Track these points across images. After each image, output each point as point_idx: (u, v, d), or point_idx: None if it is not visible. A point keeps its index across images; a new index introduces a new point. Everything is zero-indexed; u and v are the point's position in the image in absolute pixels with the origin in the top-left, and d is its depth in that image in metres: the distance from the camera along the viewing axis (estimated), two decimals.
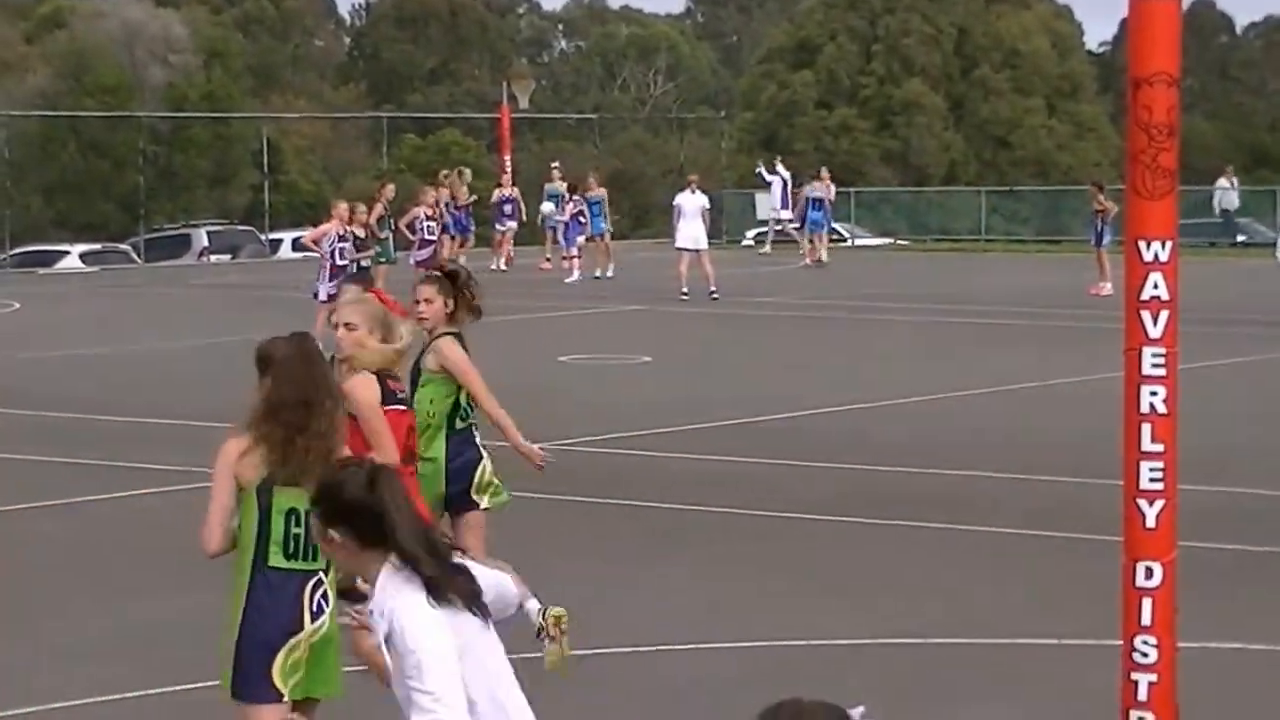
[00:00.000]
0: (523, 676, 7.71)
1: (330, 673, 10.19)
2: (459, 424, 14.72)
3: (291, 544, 10.01)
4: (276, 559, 10.00)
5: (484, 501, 14.59)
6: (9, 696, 13.84)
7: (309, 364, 10.31)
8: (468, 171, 58.87)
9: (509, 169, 63.44)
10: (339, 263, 35.07)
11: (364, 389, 12.40)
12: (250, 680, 9.96)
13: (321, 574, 10.05)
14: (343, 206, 37.00)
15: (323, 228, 36.39)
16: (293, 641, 10.00)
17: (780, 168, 63.89)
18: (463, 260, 54.15)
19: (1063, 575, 17.30)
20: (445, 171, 57.70)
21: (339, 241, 35.45)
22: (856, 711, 3.59)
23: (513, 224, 58.05)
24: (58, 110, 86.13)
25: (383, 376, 12.79)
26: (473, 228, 56.98)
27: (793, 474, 23.27)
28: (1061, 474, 22.25)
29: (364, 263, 37.41)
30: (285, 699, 9.98)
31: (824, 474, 23.23)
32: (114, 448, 24.46)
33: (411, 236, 44.54)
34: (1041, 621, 15.78)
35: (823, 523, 20.33)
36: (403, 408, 13.23)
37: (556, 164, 61.67)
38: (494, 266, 55.03)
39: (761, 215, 75.48)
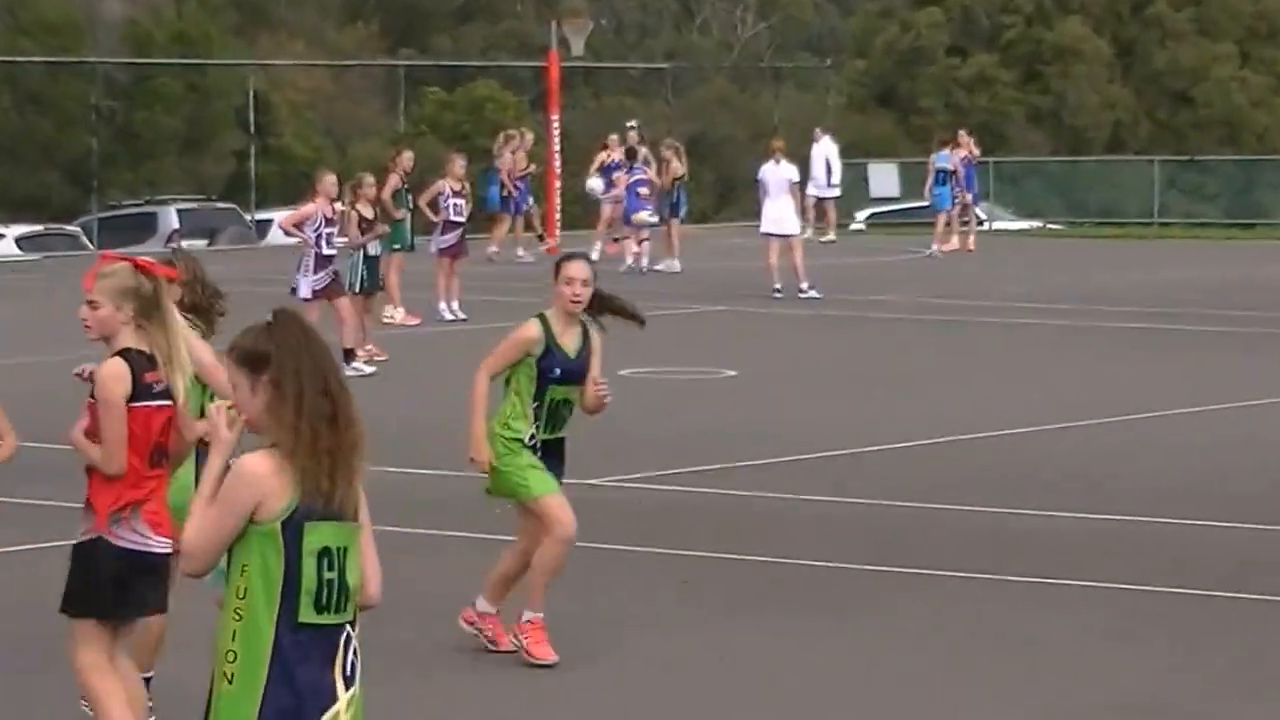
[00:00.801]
0: None
1: None
2: None
3: (324, 592, 9.82)
4: (306, 613, 9.80)
5: None
6: None
7: (314, 349, 10.18)
8: (529, 135, 59.34)
9: (557, 131, 63.52)
10: (325, 252, 34.18)
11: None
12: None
13: (348, 626, 9.89)
14: (329, 180, 35.81)
15: (305, 209, 35.45)
16: (330, 714, 9.86)
17: (826, 138, 63.61)
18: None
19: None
20: (510, 131, 58.20)
21: (325, 225, 34.63)
22: None
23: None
24: None
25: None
26: (529, 204, 57.44)
27: (914, 517, 23.28)
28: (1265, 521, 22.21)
29: (373, 248, 36.84)
30: None
31: (952, 518, 23.20)
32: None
33: (434, 217, 43.76)
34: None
35: (960, 579, 20.31)
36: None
37: (634, 124, 60.69)
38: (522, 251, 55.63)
39: (876, 193, 75.60)
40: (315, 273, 33.42)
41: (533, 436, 16.74)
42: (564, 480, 16.95)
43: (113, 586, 12.46)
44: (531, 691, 16.58)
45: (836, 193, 63.53)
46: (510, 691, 16.73)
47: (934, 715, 16.13)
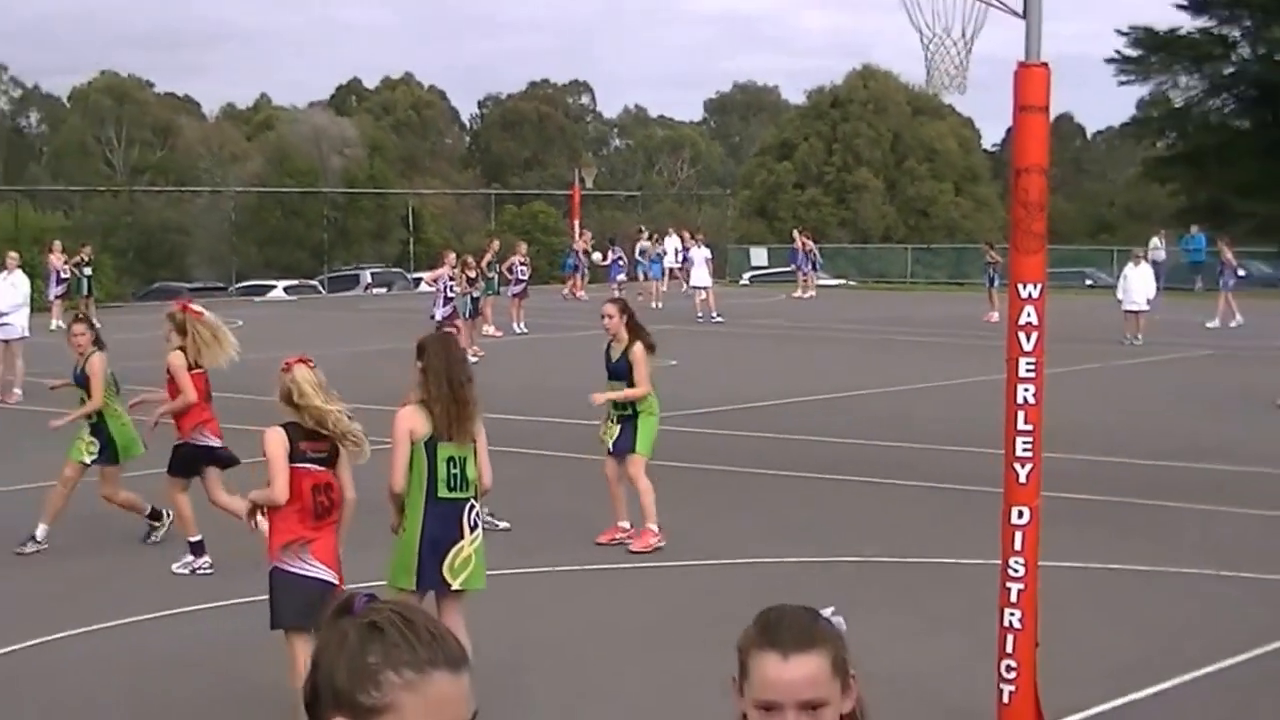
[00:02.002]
0: None
1: (479, 572, 10.50)
2: None
3: (452, 480, 10.25)
4: (442, 492, 10.23)
5: None
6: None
7: (451, 353, 10.52)
8: (588, 233, 60.37)
9: (578, 229, 63.77)
10: (448, 295, 35.32)
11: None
12: (426, 577, 10.21)
13: (473, 500, 10.26)
14: (451, 255, 37.22)
15: (438, 271, 36.55)
16: (456, 548, 10.23)
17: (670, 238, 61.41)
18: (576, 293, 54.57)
19: (954, 515, 17.39)
20: (584, 232, 59.32)
21: (448, 280, 35.63)
22: (827, 611, 3.60)
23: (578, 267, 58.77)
24: (267, 187, 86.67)
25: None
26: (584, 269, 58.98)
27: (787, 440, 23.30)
28: (950, 444, 22.34)
29: (474, 294, 37.87)
30: (454, 588, 10.31)
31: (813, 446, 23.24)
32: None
33: (509, 276, 44.58)
34: (943, 547, 15.85)
35: (831, 481, 20.35)
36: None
37: (643, 229, 62.85)
38: (566, 294, 55.88)
39: (755, 263, 76.03)
40: (443, 307, 34.01)
41: None
42: None
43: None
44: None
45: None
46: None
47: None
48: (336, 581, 9.76)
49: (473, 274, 38.73)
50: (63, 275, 45.89)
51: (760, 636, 3.49)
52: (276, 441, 9.78)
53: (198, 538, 14.89)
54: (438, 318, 33.76)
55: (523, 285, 44.48)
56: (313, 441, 9.83)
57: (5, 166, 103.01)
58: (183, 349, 15.12)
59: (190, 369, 15.04)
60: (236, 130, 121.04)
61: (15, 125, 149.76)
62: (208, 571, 14.71)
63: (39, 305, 34.35)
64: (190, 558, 14.86)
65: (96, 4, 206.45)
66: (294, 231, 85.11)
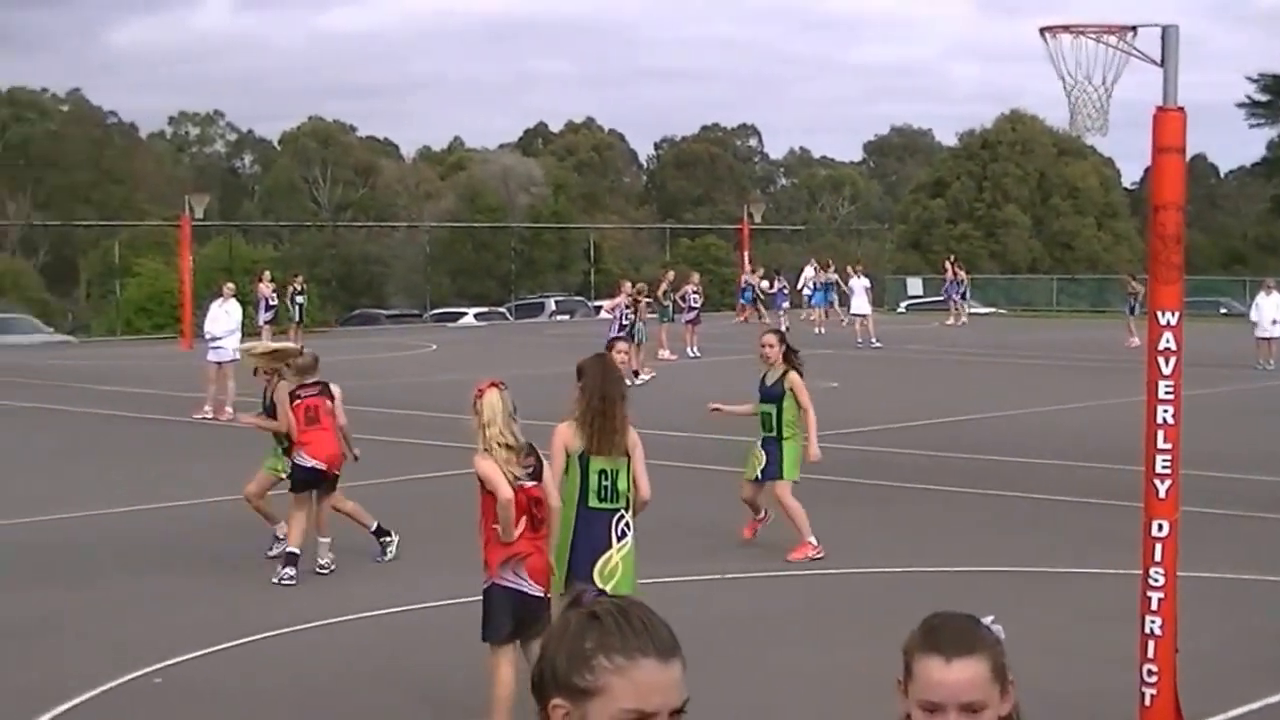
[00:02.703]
0: None
1: (628, 578, 10.39)
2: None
3: (602, 492, 10.26)
4: (593, 502, 10.25)
5: None
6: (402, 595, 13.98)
7: (607, 373, 10.56)
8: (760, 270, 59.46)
9: (748, 262, 63.57)
10: (623, 322, 35.58)
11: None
12: (578, 580, 10.00)
13: (622, 511, 10.27)
14: (627, 285, 37.70)
15: (615, 300, 36.91)
16: (606, 555, 10.23)
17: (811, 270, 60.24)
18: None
19: (1098, 527, 17.18)
20: (753, 267, 58.57)
21: (625, 308, 35.93)
22: (987, 619, 3.64)
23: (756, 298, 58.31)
24: (459, 222, 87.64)
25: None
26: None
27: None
28: (1093, 461, 22.07)
29: (642, 321, 38.01)
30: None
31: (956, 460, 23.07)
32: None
33: (682, 304, 44.72)
34: (1089, 557, 15.66)
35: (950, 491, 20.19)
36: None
37: (813, 260, 61.54)
38: (740, 319, 55.80)
39: (911, 293, 75.66)
40: (619, 332, 34.08)
41: None
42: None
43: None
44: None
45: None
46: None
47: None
48: (546, 597, 9.69)
49: (647, 301, 39.17)
50: (271, 303, 46.59)
51: (924, 641, 3.55)
52: (560, 438, 10.25)
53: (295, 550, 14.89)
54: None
55: (695, 313, 44.64)
56: (525, 456, 9.81)
57: (221, 204, 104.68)
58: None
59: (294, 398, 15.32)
60: (431, 170, 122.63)
61: (231, 166, 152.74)
62: (291, 583, 14.66)
63: (249, 330, 34.92)
64: (289, 570, 14.85)
65: (305, 57, 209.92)
66: (484, 263, 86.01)
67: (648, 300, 38.90)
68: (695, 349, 43.21)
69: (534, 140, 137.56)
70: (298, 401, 15.34)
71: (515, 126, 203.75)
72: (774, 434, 15.71)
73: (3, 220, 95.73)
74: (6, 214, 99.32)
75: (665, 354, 41.60)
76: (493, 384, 9.86)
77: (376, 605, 13.80)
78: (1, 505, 19.35)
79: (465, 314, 69.14)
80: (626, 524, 10.45)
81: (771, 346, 15.92)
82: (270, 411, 15.75)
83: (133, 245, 72.42)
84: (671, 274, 45.97)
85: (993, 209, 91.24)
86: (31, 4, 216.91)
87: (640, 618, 2.77)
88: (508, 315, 70.35)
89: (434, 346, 48.47)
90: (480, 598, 9.92)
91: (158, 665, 11.75)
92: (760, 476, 15.76)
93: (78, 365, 42.33)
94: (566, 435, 10.36)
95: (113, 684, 11.26)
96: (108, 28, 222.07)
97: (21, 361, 43.89)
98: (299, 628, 13.03)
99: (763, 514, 16.12)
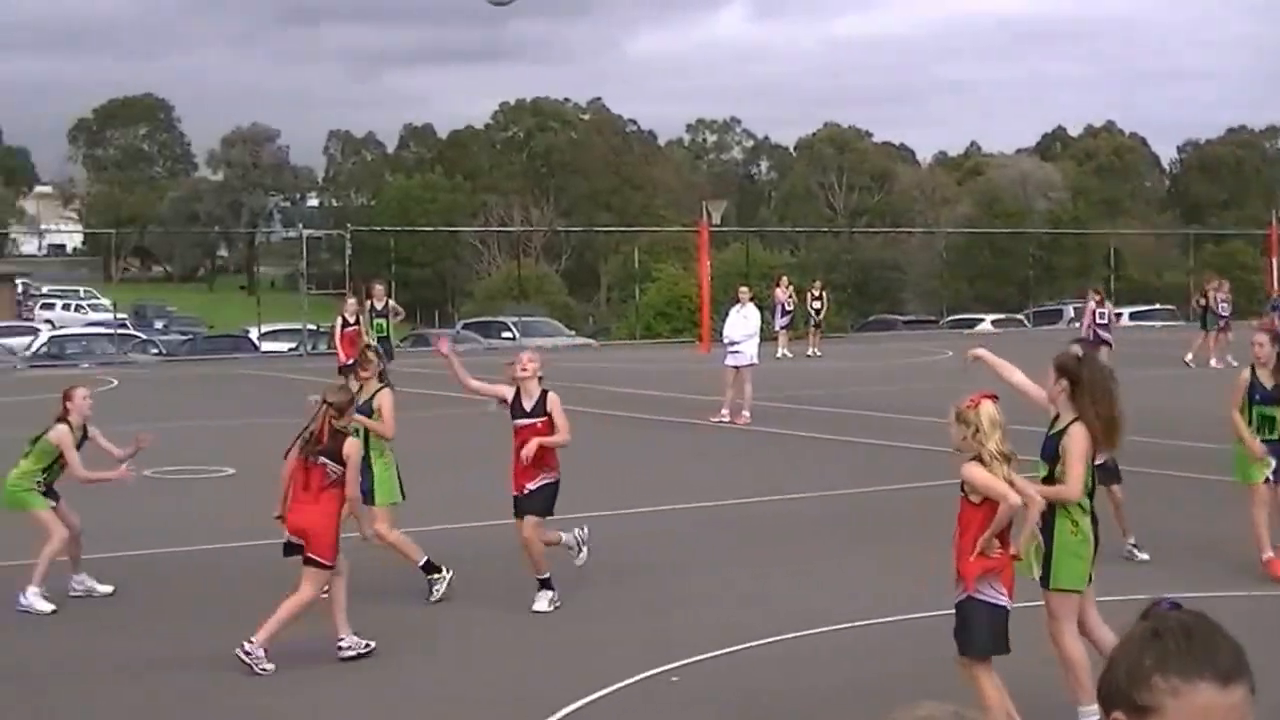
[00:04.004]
0: None
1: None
2: None
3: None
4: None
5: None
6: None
7: (1098, 370, 10.31)
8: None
9: (1277, 269, 60.59)
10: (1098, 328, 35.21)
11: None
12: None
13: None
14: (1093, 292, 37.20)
15: (1089, 307, 36.52)
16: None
17: None
18: None
19: None
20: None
21: (1097, 317, 35.59)
22: None
23: None
24: (976, 228, 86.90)
25: None
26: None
27: None
28: None
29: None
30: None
31: None
32: None
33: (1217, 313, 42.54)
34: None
35: None
36: None
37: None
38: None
39: None
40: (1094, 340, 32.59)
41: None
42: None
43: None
44: None
45: None
46: None
47: None
48: (1010, 607, 9.57)
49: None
50: (787, 308, 46.94)
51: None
52: (1079, 439, 9.91)
53: (546, 575, 14.01)
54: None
55: (1224, 320, 42.65)
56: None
57: (738, 209, 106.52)
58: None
59: None
60: (948, 176, 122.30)
61: (747, 173, 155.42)
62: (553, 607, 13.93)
63: (766, 335, 35.28)
64: (550, 593, 13.96)
65: (819, 63, 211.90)
66: (1001, 269, 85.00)
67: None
68: (1218, 358, 41.30)
69: (1052, 145, 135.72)
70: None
71: (1033, 131, 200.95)
72: (1275, 438, 14.88)
73: (527, 226, 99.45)
74: (530, 220, 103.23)
75: (1213, 363, 40.17)
76: (986, 395, 9.63)
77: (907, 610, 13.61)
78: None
79: (982, 320, 68.33)
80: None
81: (1262, 346, 15.12)
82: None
83: (652, 250, 74.25)
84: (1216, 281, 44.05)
85: None
86: (555, 17, 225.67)
87: (1204, 637, 2.67)
88: (1025, 322, 69.13)
89: (950, 353, 48.01)
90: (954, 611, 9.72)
91: (677, 664, 11.86)
92: (1273, 477, 14.86)
93: (598, 368, 43.47)
94: (1086, 440, 10.05)
95: (630, 680, 11.41)
96: (628, 38, 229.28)
97: (545, 363, 45.28)
98: (825, 629, 12.96)
99: None
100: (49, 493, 14.26)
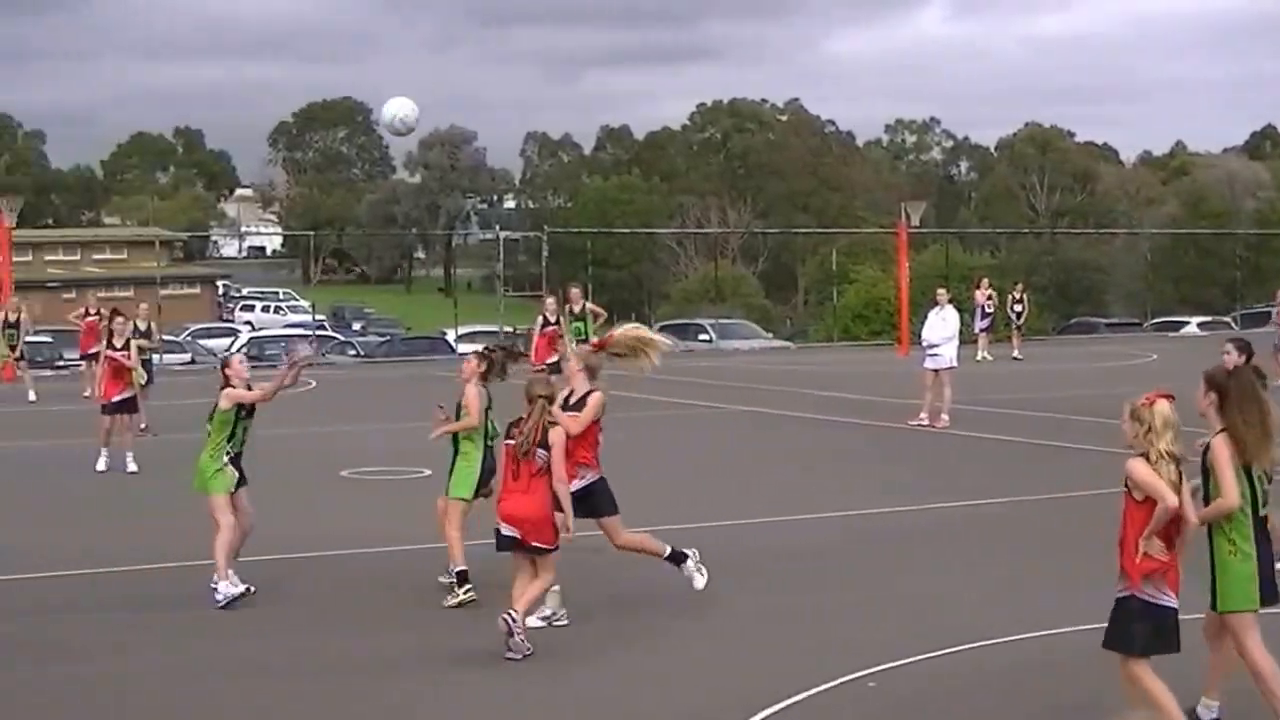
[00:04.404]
0: None
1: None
2: None
3: (1259, 501, 9.87)
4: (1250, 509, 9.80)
5: None
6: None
7: (1245, 383, 10.13)
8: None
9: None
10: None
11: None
12: (1268, 592, 9.78)
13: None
14: None
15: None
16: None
17: None
18: None
19: None
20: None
21: None
22: None
23: None
24: (1181, 228, 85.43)
25: None
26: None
27: None
28: None
29: None
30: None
31: None
32: None
33: None
34: None
35: None
36: None
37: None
38: None
39: None
40: None
41: None
42: None
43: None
44: None
45: None
46: None
47: None
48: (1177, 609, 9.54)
49: None
50: (987, 310, 46.46)
51: None
52: (1222, 448, 9.69)
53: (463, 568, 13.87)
54: None
55: None
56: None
57: (937, 210, 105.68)
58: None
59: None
60: (1152, 175, 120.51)
61: (946, 173, 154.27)
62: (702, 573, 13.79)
63: (965, 337, 34.99)
64: (689, 562, 13.82)
65: (1020, 62, 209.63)
66: (1207, 270, 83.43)
67: None
68: None
69: (1261, 144, 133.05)
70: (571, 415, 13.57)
71: (1241, 130, 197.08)
72: None
73: (724, 228, 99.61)
74: (728, 222, 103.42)
75: None
76: (1163, 395, 9.56)
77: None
78: (717, 507, 19.96)
79: (1187, 323, 67.02)
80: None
81: None
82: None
83: (850, 252, 74.00)
84: None
85: None
86: (753, 17, 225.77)
87: None
88: (1233, 325, 67.65)
89: (1154, 356, 47.27)
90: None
91: (875, 669, 11.81)
92: None
93: (794, 370, 43.40)
94: (1230, 451, 9.91)
95: (827, 685, 11.37)
96: (827, 38, 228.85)
97: (741, 366, 45.43)
98: (1011, 638, 12.82)
99: None
100: (236, 467, 14.47)
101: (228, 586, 14.13)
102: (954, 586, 15.10)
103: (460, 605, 13.89)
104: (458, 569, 14.07)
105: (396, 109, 14.32)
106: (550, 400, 12.76)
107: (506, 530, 12.40)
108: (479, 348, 15.67)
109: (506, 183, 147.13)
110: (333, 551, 16.77)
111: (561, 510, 12.45)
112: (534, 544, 12.33)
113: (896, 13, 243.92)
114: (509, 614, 12.11)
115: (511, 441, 12.56)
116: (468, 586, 13.95)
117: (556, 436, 12.54)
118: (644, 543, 13.93)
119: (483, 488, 14.21)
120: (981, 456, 25.10)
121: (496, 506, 12.63)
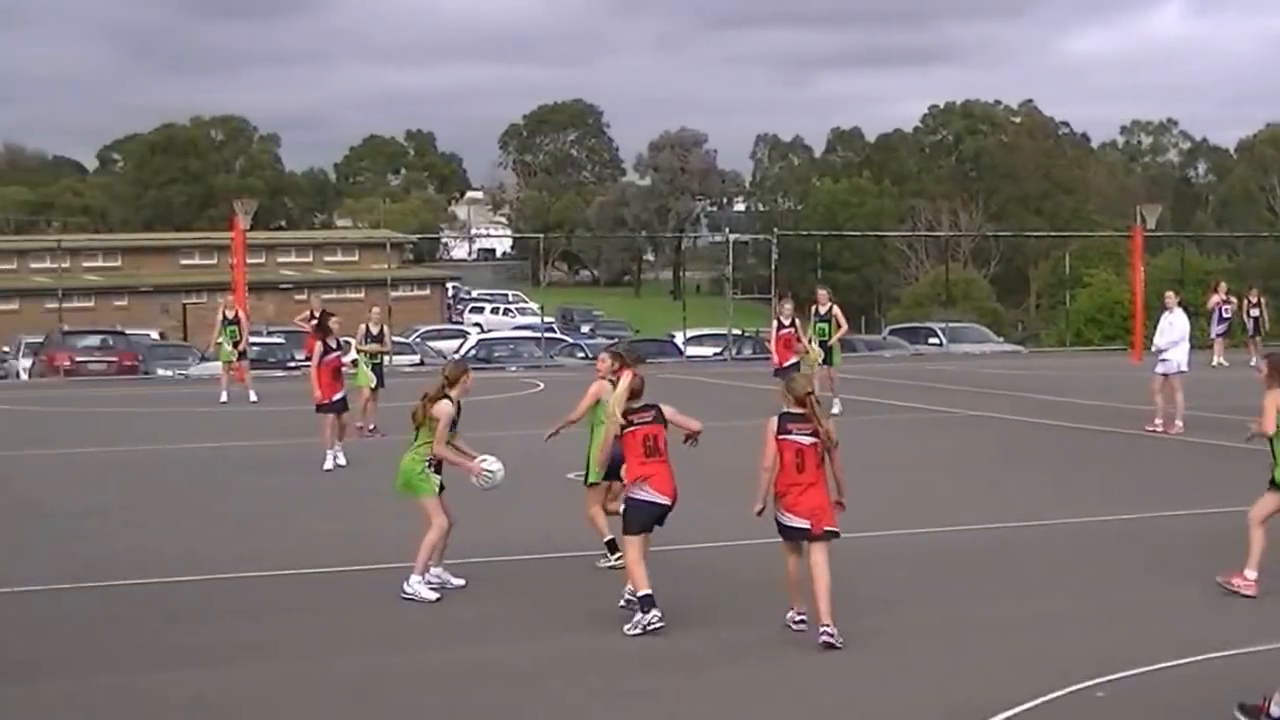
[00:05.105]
0: None
1: None
2: None
3: None
4: None
5: None
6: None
7: None
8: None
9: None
10: None
11: None
12: None
13: None
14: None
15: None
16: None
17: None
18: None
19: None
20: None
21: None
22: None
23: None
24: None
25: None
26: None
27: None
28: None
29: None
30: None
31: None
32: None
33: None
34: None
35: None
36: None
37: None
38: None
39: None
40: None
41: None
42: None
43: None
44: None
45: None
46: None
47: None
48: None
49: None
50: (1224, 314, 45.53)
51: None
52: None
53: (646, 592, 13.27)
54: None
55: None
56: None
57: (1173, 213, 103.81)
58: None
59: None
60: None
61: (1184, 175, 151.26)
62: (658, 626, 13.15)
63: (1200, 343, 34.36)
64: (640, 615, 13.26)
65: (1262, 61, 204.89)
66: None
67: None
68: None
69: None
70: (633, 429, 13.70)
71: None
72: None
73: (955, 231, 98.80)
74: (959, 225, 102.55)
75: None
76: None
77: None
78: (940, 511, 19.99)
79: None
80: None
81: None
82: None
83: (1083, 256, 72.95)
84: None
85: None
86: (987, 18, 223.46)
87: None
88: None
89: None
90: None
91: (1104, 679, 11.70)
92: None
93: (1025, 375, 42.99)
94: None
95: (1056, 694, 11.30)
96: (1061, 38, 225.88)
97: (971, 370, 45.07)
98: (1239, 651, 12.60)
99: None
100: (438, 471, 14.74)
101: (419, 584, 14.54)
102: (1179, 596, 14.89)
103: (611, 569, 15.18)
104: (605, 539, 15.61)
105: (496, 469, 15.08)
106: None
107: (796, 523, 12.84)
108: (609, 345, 17.27)
109: (737, 185, 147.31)
110: (557, 555, 16.87)
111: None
112: (830, 529, 12.83)
113: (1133, 11, 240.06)
114: (826, 631, 12.63)
115: (805, 439, 12.85)
116: (619, 554, 14.87)
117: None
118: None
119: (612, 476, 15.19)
120: (1215, 463, 24.63)
121: (780, 501, 12.89)
